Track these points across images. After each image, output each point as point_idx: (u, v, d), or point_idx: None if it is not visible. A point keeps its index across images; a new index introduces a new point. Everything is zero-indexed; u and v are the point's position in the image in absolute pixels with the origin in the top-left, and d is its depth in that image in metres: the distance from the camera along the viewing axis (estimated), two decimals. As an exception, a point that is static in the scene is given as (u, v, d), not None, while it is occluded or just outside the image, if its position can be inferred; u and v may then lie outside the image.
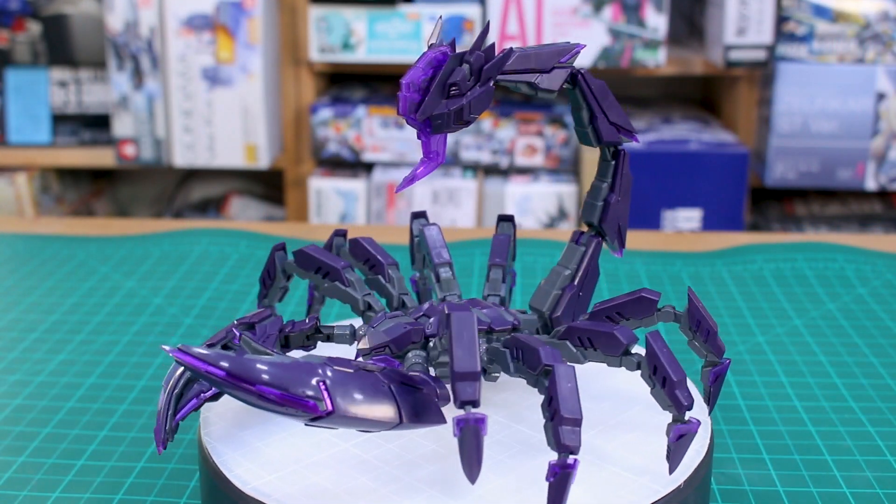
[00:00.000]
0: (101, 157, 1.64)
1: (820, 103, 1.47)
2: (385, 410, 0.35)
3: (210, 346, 0.40)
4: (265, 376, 0.34)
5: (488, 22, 0.39)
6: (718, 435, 0.49)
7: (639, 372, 0.47)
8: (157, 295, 0.66)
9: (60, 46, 1.64)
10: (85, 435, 0.49)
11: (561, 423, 0.35)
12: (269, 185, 1.87)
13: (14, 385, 0.54)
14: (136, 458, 0.47)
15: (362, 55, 1.52)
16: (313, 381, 0.34)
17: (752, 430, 0.49)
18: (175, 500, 0.44)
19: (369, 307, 0.45)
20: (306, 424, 0.35)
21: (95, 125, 1.67)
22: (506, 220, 0.50)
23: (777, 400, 0.52)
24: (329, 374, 0.35)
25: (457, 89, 0.39)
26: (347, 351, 0.49)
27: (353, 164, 1.62)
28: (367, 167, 1.61)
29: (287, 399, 0.34)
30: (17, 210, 1.63)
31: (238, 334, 0.41)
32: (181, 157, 1.57)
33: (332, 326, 0.44)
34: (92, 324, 0.62)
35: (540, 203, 1.51)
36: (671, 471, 0.38)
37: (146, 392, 0.53)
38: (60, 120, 1.67)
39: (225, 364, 0.33)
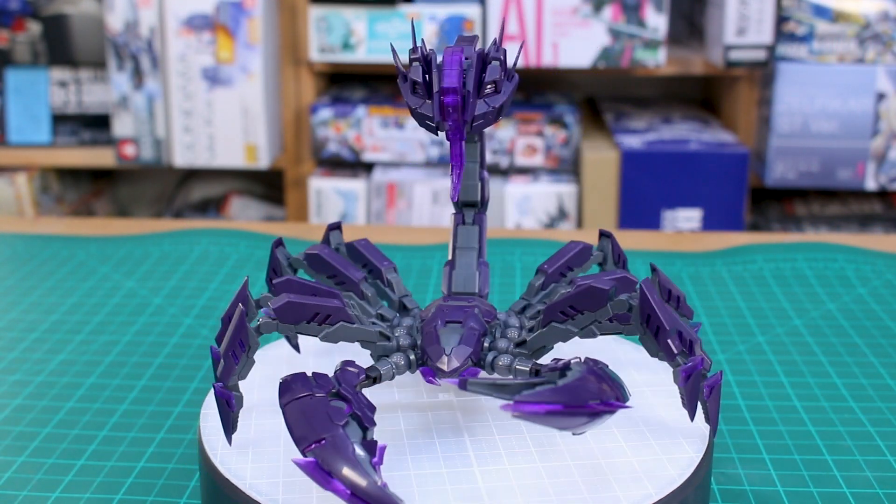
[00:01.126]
0: (101, 157, 1.64)
1: (820, 103, 1.47)
2: None
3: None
4: (611, 395, 0.35)
5: (503, 19, 0.39)
6: (718, 435, 0.49)
7: (636, 368, 0.47)
8: (157, 295, 0.66)
9: (60, 46, 1.64)
10: (85, 435, 0.49)
11: (667, 337, 0.37)
12: (269, 185, 1.87)
13: (14, 385, 0.54)
14: (136, 458, 0.47)
15: (362, 55, 1.52)
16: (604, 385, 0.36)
17: (752, 430, 0.49)
18: (175, 500, 0.44)
19: (381, 335, 0.43)
20: (576, 434, 0.36)
21: (95, 125, 1.67)
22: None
23: (777, 400, 0.52)
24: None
25: (493, 87, 0.39)
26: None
27: (353, 164, 1.62)
28: (367, 167, 1.61)
29: (614, 406, 0.35)
30: (17, 210, 1.63)
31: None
32: (181, 157, 1.57)
33: (376, 368, 0.41)
34: (92, 324, 0.62)
35: (540, 203, 1.51)
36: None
37: (146, 392, 0.53)
38: (60, 120, 1.67)
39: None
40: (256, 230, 0.80)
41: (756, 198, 1.67)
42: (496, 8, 1.48)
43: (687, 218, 1.50)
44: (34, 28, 1.64)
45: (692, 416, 0.38)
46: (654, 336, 0.37)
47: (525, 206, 1.52)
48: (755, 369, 0.56)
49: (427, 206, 1.52)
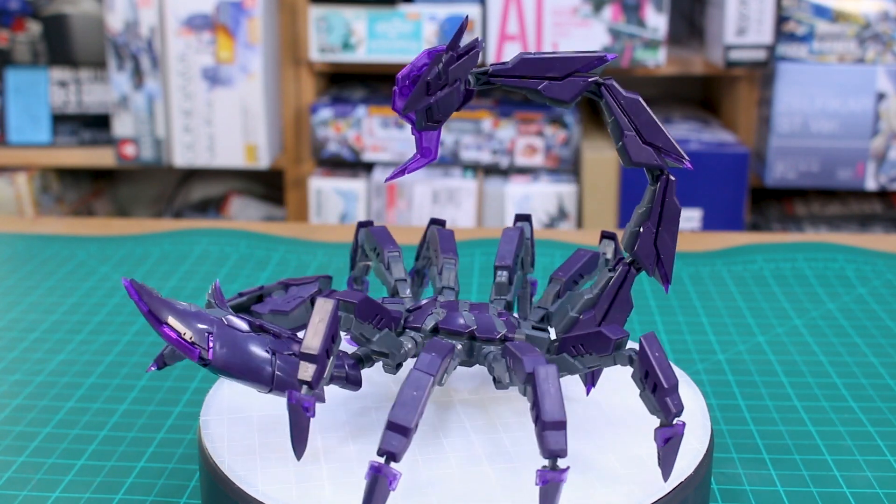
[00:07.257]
0: (101, 157, 1.64)
1: (820, 103, 1.47)
2: None
3: None
4: None
5: (466, 17, 0.38)
6: (718, 435, 0.49)
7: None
8: (157, 295, 0.66)
9: (60, 46, 1.64)
10: (85, 435, 0.49)
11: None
12: (269, 185, 1.87)
13: (14, 385, 0.54)
14: (136, 458, 0.47)
15: (362, 55, 1.52)
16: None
17: (752, 430, 0.49)
18: (175, 500, 0.44)
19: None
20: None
21: (95, 125, 1.67)
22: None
23: (777, 400, 0.52)
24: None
25: (433, 88, 0.39)
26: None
27: (353, 164, 1.62)
28: (367, 167, 1.61)
29: None
30: (17, 210, 1.63)
31: None
32: (181, 157, 1.57)
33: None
34: (92, 324, 0.62)
35: (540, 203, 1.51)
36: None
37: (146, 392, 0.53)
38: (60, 120, 1.67)
39: None
40: (256, 230, 0.80)
41: (756, 198, 1.67)
42: (496, 8, 1.48)
43: (687, 218, 1.50)
44: (34, 28, 1.64)
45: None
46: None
47: (525, 206, 1.52)
48: (755, 369, 0.56)
49: (427, 206, 1.52)
